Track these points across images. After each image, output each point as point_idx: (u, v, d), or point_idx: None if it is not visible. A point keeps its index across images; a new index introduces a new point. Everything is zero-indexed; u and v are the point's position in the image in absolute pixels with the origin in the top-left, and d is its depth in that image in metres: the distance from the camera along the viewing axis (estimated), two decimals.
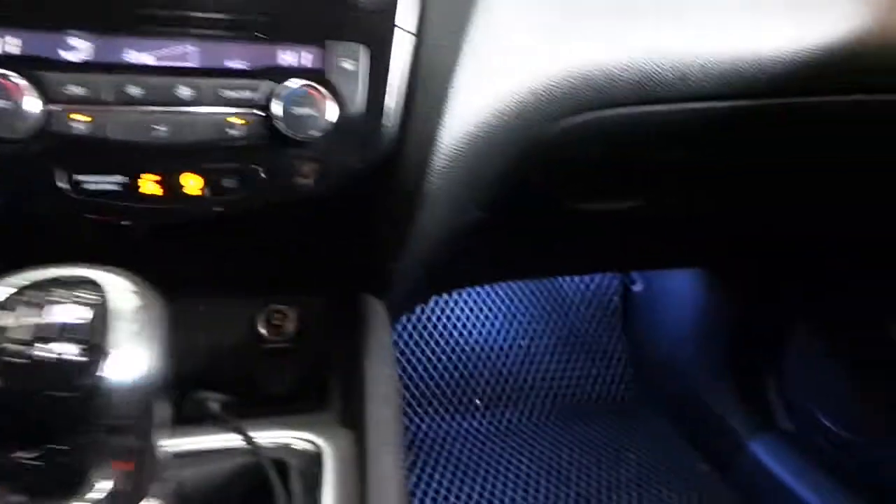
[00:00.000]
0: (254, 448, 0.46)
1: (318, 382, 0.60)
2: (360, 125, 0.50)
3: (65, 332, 0.25)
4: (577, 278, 1.54)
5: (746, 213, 0.91)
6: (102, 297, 0.27)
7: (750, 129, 0.72)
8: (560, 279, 1.52)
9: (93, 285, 0.28)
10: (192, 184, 0.47)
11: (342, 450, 0.47)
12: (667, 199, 0.83)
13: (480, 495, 1.18)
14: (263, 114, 0.47)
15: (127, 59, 0.45)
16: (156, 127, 0.46)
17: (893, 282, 1.08)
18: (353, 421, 0.50)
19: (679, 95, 0.65)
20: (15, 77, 0.42)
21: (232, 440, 0.49)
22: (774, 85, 0.67)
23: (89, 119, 0.44)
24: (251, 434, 0.48)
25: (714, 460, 1.30)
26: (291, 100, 0.47)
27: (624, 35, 0.61)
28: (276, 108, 0.47)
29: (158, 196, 0.47)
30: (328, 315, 0.63)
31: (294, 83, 0.47)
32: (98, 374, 0.25)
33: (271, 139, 0.48)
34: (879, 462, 1.09)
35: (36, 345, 0.25)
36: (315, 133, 0.48)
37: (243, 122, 0.47)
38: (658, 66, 0.62)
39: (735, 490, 1.24)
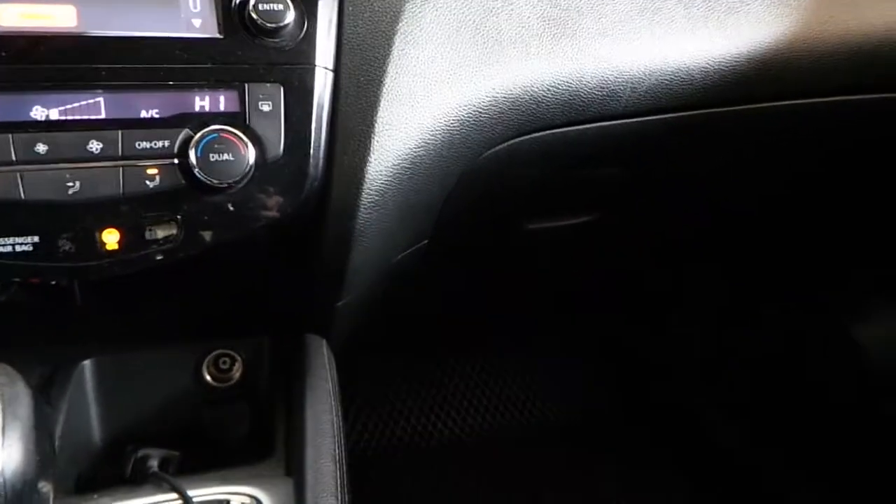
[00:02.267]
0: None
1: (265, 428, 0.59)
2: (283, 167, 0.49)
3: None
4: None
5: (689, 218, 0.92)
6: None
7: (681, 141, 0.73)
8: None
9: None
10: (110, 238, 0.46)
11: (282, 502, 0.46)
12: (616, 213, 0.84)
13: None
14: (180, 161, 0.47)
15: (34, 117, 0.44)
16: (69, 184, 0.45)
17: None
18: (294, 469, 0.49)
19: (610, 113, 0.66)
20: None
21: (171, 499, 0.48)
22: (702, 97, 0.68)
23: None
24: (189, 492, 0.47)
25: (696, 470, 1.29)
26: (207, 147, 0.46)
27: (549, 56, 0.61)
28: (193, 155, 0.46)
29: (75, 254, 0.46)
30: (273, 357, 0.62)
31: (210, 129, 0.47)
32: None
33: (191, 188, 0.47)
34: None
35: None
36: (234, 179, 0.47)
37: (160, 171, 0.46)
38: (585, 86, 0.62)
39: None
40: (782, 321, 1.12)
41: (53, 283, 0.51)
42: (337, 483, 0.47)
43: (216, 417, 0.61)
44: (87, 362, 0.58)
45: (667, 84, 0.66)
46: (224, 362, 0.62)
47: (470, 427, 1.27)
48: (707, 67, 0.67)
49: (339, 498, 0.46)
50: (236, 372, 0.62)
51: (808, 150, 0.81)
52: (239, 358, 0.62)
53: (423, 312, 1.02)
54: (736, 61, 0.67)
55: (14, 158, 0.43)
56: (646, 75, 0.65)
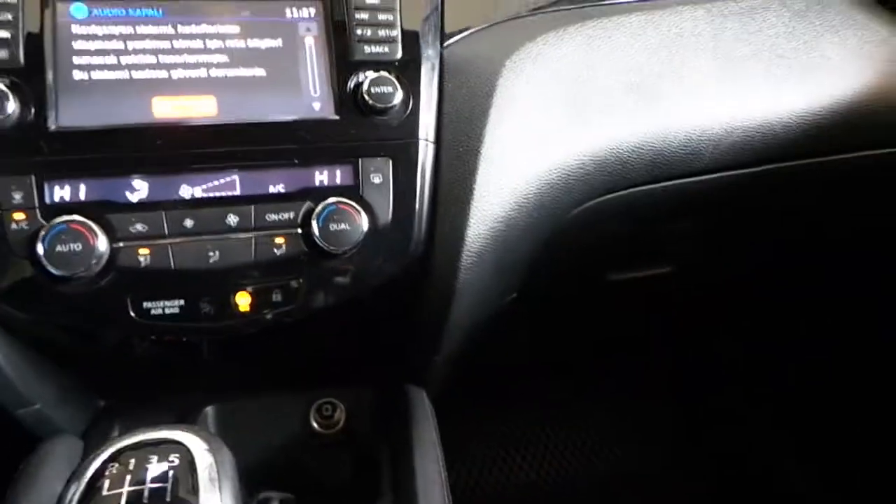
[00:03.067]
0: None
1: (370, 473, 0.63)
2: (391, 233, 0.54)
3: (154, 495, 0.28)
4: None
5: (771, 274, 0.92)
6: (182, 455, 0.30)
7: (759, 192, 0.74)
8: None
9: (174, 444, 0.31)
10: (243, 301, 0.52)
11: None
12: (695, 265, 0.85)
13: None
14: (303, 231, 0.52)
15: (181, 195, 0.51)
16: (210, 253, 0.50)
17: None
18: None
19: (691, 170, 0.68)
20: (84, 221, 0.48)
21: None
22: (783, 150, 0.69)
23: (150, 251, 0.49)
24: None
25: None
26: (328, 217, 0.52)
27: (633, 120, 0.64)
28: (315, 225, 0.52)
29: (214, 315, 0.51)
30: (375, 406, 0.66)
31: (329, 201, 0.52)
32: None
33: (311, 254, 0.52)
34: None
35: None
36: (350, 245, 0.52)
37: (286, 240, 0.52)
38: (669, 146, 0.65)
39: None
40: (853, 364, 1.10)
41: (189, 340, 0.57)
42: None
43: (322, 462, 0.65)
44: (209, 409, 0.63)
45: (748, 140, 0.68)
46: (327, 409, 0.66)
47: (546, 472, 1.27)
48: (789, 122, 0.69)
49: None
50: (339, 419, 0.66)
51: (886, 198, 0.81)
52: (341, 406, 0.67)
53: (502, 363, 1.05)
54: (817, 114, 0.69)
55: (167, 232, 0.50)
56: (728, 132, 0.67)
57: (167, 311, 0.50)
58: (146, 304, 0.50)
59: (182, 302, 0.51)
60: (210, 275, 0.51)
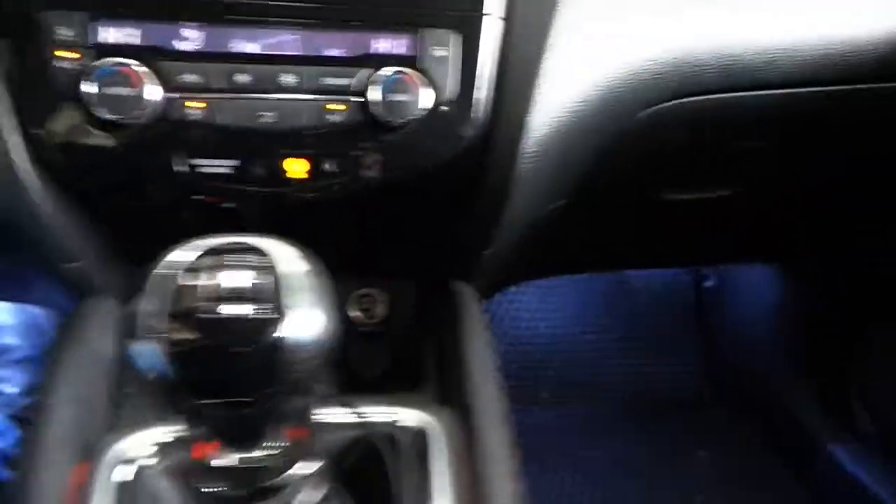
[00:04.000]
0: (365, 423, 0.48)
1: (409, 365, 0.62)
2: (453, 110, 0.51)
3: (249, 294, 0.27)
4: (647, 274, 1.51)
5: (835, 203, 0.87)
6: (274, 262, 0.29)
7: (836, 116, 0.69)
8: (630, 275, 1.49)
9: (261, 253, 0.29)
10: (295, 168, 0.49)
11: (447, 426, 0.48)
12: (755, 189, 0.81)
13: (549, 487, 1.18)
14: (361, 100, 0.49)
15: (234, 49, 0.48)
16: (262, 113, 0.48)
17: None
18: (454, 400, 0.51)
19: (766, 82, 0.64)
20: (136, 65, 0.46)
21: (339, 415, 0.50)
22: (868, 70, 0.64)
23: (203, 106, 0.47)
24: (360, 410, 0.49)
25: (789, 462, 1.25)
26: (388, 86, 0.49)
27: (714, 21, 0.60)
28: (373, 94, 0.49)
29: (264, 179, 0.49)
30: (418, 299, 0.64)
31: (389, 70, 0.49)
32: (280, 332, 0.27)
33: (368, 124, 0.50)
34: None
35: (224, 305, 0.27)
36: (410, 118, 0.49)
37: (342, 108, 0.49)
38: (746, 52, 0.61)
39: (810, 492, 1.19)
40: None
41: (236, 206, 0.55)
42: (503, 417, 0.49)
43: (359, 353, 0.64)
44: None
45: (831, 56, 0.63)
46: (368, 300, 0.65)
47: None
48: (878, 40, 0.64)
49: (505, 427, 0.48)
50: (380, 311, 0.65)
51: None
52: (382, 298, 0.65)
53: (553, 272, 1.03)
54: None
55: (220, 87, 0.47)
56: (809, 46, 0.62)
57: (216, 170, 0.48)
58: (195, 161, 0.48)
59: (232, 162, 0.48)
60: (262, 136, 0.48)
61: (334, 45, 0.49)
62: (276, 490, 0.32)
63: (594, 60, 0.56)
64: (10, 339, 1.06)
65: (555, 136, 0.55)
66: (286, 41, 0.48)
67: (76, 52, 0.45)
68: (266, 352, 0.26)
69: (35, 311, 1.09)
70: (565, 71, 0.54)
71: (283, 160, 0.49)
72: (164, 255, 0.29)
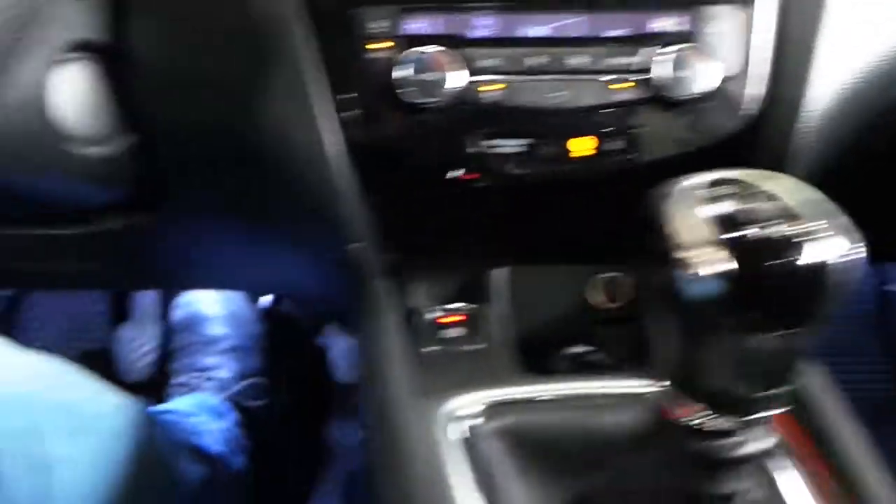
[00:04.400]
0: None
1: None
2: (731, 87, 0.51)
3: (794, 214, 0.27)
4: None
5: None
6: (806, 191, 0.29)
7: None
8: None
9: (786, 182, 0.29)
10: (580, 147, 0.51)
11: None
12: None
13: None
14: (645, 77, 0.50)
15: (526, 34, 0.50)
16: (553, 94, 0.50)
17: None
18: None
19: None
20: (440, 52, 0.48)
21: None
22: None
23: (498, 88, 0.49)
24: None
25: None
26: (675, 63, 0.49)
27: None
28: (658, 71, 0.49)
29: (552, 158, 0.51)
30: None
31: (673, 48, 0.49)
32: (839, 251, 0.27)
33: (651, 102, 0.50)
34: None
35: (791, 224, 0.26)
36: (693, 94, 0.49)
37: (626, 86, 0.50)
38: None
39: None
40: None
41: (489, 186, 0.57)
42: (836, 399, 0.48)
43: (605, 337, 0.64)
44: (499, 271, 0.64)
45: None
46: (612, 285, 0.65)
47: None
48: None
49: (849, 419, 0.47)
50: (624, 295, 0.65)
51: None
52: (625, 283, 0.65)
53: None
54: None
55: (514, 69, 0.49)
56: None
57: (507, 150, 0.50)
58: (488, 142, 0.50)
59: (522, 142, 0.50)
60: (553, 115, 0.50)
61: (617, 26, 0.50)
62: (738, 463, 0.32)
63: (874, 29, 0.53)
64: (220, 330, 1.15)
65: (830, 111, 0.53)
66: (571, 24, 0.50)
67: (387, 42, 0.49)
68: (824, 272, 0.26)
69: (241, 302, 1.18)
70: (844, 42, 0.52)
71: (569, 139, 0.50)
72: (672, 188, 0.29)
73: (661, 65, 0.49)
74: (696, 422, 0.31)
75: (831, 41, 0.52)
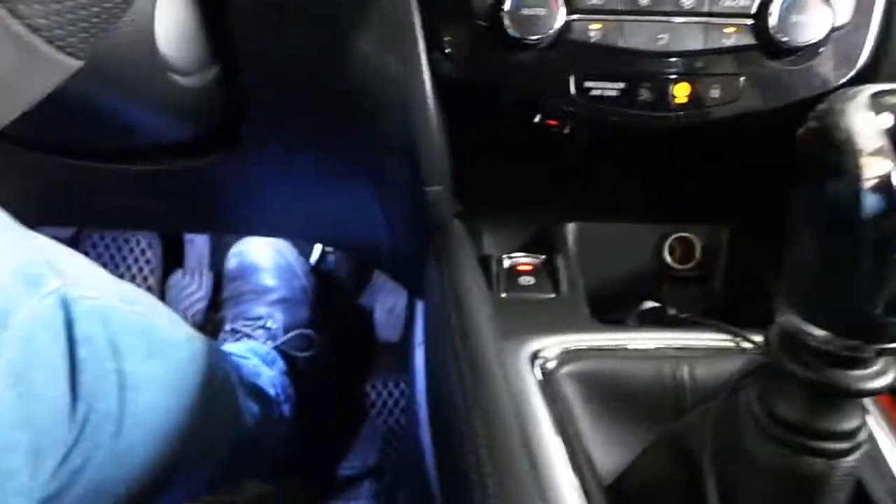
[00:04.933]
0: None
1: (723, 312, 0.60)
2: (846, 36, 0.49)
3: None
4: None
5: None
6: None
7: None
8: None
9: None
10: (682, 92, 0.49)
11: None
12: None
13: None
14: (756, 22, 0.48)
15: None
16: (659, 35, 0.48)
17: None
18: None
19: None
20: None
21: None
22: None
23: (602, 27, 0.48)
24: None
25: None
26: (790, 6, 0.47)
27: None
28: (773, 15, 0.47)
29: (651, 103, 0.49)
30: (732, 246, 0.63)
31: None
32: None
33: (761, 49, 0.48)
34: None
35: None
36: (808, 41, 0.48)
37: (737, 29, 0.48)
38: None
39: None
40: None
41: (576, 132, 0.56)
42: None
43: (674, 296, 0.64)
44: (570, 226, 0.63)
45: None
46: (683, 244, 0.64)
47: None
48: None
49: None
50: (696, 255, 0.64)
51: None
52: (697, 243, 0.64)
53: None
54: None
55: (620, 8, 0.48)
56: None
57: (606, 93, 0.49)
58: (588, 83, 0.49)
59: (623, 85, 0.49)
60: (656, 58, 0.48)
61: None
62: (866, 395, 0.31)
63: None
64: (271, 281, 1.16)
65: None
66: None
67: None
68: None
69: (290, 255, 1.19)
70: None
71: (673, 84, 0.49)
72: (835, 99, 0.29)
73: (777, 8, 0.47)
74: (827, 347, 0.30)
75: None
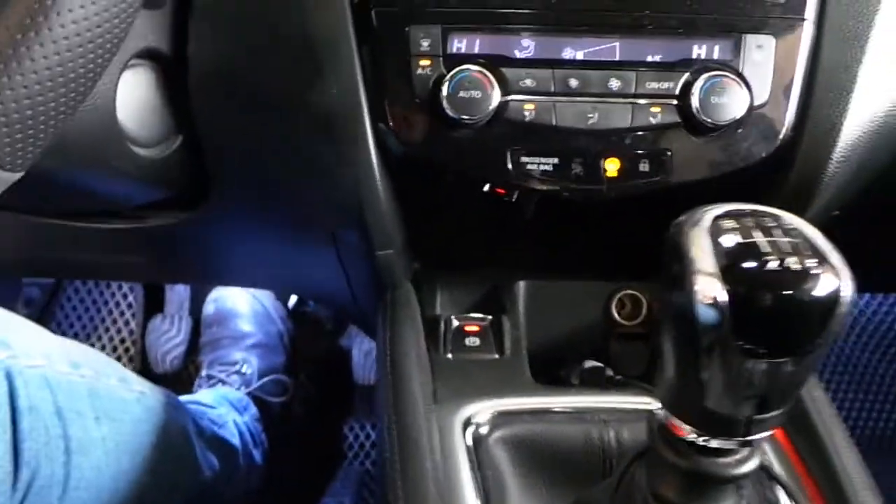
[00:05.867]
0: None
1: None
2: (766, 114, 0.52)
3: (805, 249, 0.29)
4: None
5: None
6: (804, 228, 0.31)
7: None
8: None
9: (787, 219, 0.31)
10: (611, 167, 0.52)
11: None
12: None
13: None
14: (680, 102, 0.51)
15: (565, 56, 0.52)
16: (589, 115, 0.51)
17: None
18: None
19: None
20: (482, 72, 0.51)
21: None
22: None
23: (535, 107, 0.51)
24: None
25: None
26: (710, 89, 0.51)
27: None
28: (695, 96, 0.51)
29: (582, 177, 0.52)
30: None
31: (711, 73, 0.51)
32: (840, 286, 0.29)
33: (686, 126, 0.52)
34: None
35: (788, 258, 0.29)
36: (728, 120, 0.51)
37: (662, 109, 0.52)
38: None
39: None
40: None
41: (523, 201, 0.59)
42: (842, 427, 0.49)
43: (620, 353, 0.66)
44: (521, 283, 0.66)
45: None
46: (632, 301, 0.67)
47: None
48: None
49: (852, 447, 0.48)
50: (641, 312, 0.67)
51: None
52: (644, 299, 0.67)
53: None
54: None
55: (552, 90, 0.51)
56: None
57: (541, 167, 0.52)
58: (524, 159, 0.52)
59: (556, 160, 0.52)
60: (586, 136, 0.52)
61: (656, 51, 0.52)
62: (733, 481, 0.34)
63: None
64: (246, 327, 1.18)
65: (864, 143, 0.54)
66: (611, 48, 0.52)
67: (431, 60, 0.51)
68: (829, 304, 0.28)
69: (268, 301, 1.22)
70: (885, 76, 0.54)
71: (601, 160, 0.52)
72: (692, 215, 0.31)
73: (697, 90, 0.51)
74: (692, 439, 0.32)
75: (869, 73, 0.53)
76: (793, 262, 0.28)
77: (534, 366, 0.61)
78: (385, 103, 0.52)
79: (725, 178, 0.53)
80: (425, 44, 0.51)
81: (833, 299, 0.28)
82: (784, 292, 0.28)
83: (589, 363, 0.60)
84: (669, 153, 0.52)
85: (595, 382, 0.58)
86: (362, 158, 0.53)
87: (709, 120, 0.51)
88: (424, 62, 0.51)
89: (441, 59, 0.51)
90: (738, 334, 0.28)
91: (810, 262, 0.28)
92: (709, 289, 0.28)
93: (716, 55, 0.52)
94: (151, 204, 0.66)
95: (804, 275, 0.28)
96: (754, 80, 0.52)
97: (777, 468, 0.47)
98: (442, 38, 0.51)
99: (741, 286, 0.28)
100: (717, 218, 0.30)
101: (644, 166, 0.52)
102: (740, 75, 0.51)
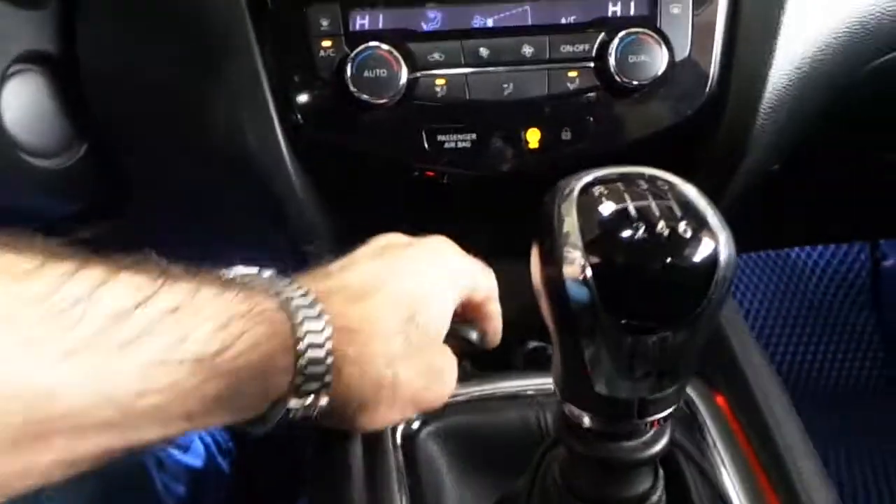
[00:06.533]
0: None
1: None
2: (688, 69, 0.50)
3: (679, 212, 0.26)
4: (814, 252, 1.41)
5: None
6: (679, 189, 0.28)
7: None
8: (796, 252, 1.40)
9: (661, 181, 0.29)
10: (532, 138, 0.50)
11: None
12: None
13: None
14: (597, 65, 0.49)
15: (474, 25, 0.49)
16: (504, 85, 0.49)
17: None
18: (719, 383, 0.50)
19: None
20: (389, 48, 0.48)
21: None
22: None
23: (446, 82, 0.49)
24: None
25: None
26: (625, 49, 0.48)
27: None
28: (612, 56, 0.48)
29: (503, 151, 0.50)
30: None
31: (627, 31, 0.49)
32: (718, 249, 0.26)
33: (605, 89, 0.49)
34: None
35: (663, 223, 0.26)
36: (647, 79, 0.49)
37: (580, 73, 0.49)
38: None
39: None
40: None
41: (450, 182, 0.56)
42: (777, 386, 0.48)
43: None
44: None
45: None
46: None
47: None
48: None
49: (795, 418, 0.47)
50: None
51: None
52: None
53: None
54: None
55: (462, 62, 0.49)
56: None
57: (459, 144, 0.50)
58: (440, 137, 0.50)
59: (474, 136, 0.50)
60: (503, 107, 0.49)
61: (570, 12, 0.49)
62: (641, 465, 0.32)
63: (832, 10, 0.53)
64: None
65: (792, 90, 0.52)
66: (522, 13, 0.49)
67: (332, 40, 0.48)
68: (705, 269, 0.26)
69: None
70: (808, 20, 0.51)
71: (522, 131, 0.50)
72: (561, 186, 0.29)
73: (614, 50, 0.48)
74: (590, 426, 0.30)
75: (793, 18, 0.51)
76: (662, 228, 0.25)
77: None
78: (289, 89, 0.49)
79: (654, 138, 0.51)
80: (325, 23, 0.48)
81: (707, 264, 0.25)
82: (651, 261, 0.25)
83: (532, 343, 0.58)
84: (591, 119, 0.50)
85: (538, 362, 0.56)
86: (271, 150, 0.50)
87: (628, 80, 0.48)
88: (326, 43, 0.48)
89: (343, 38, 0.48)
90: (609, 310, 0.26)
91: (682, 226, 0.25)
92: (577, 264, 0.26)
93: (632, 11, 0.49)
94: (67, 217, 0.62)
95: (674, 240, 0.25)
96: (673, 34, 0.49)
97: (714, 438, 0.45)
98: (342, 16, 0.48)
99: (606, 258, 0.26)
100: (587, 186, 0.28)
101: (566, 135, 0.50)
102: (658, 31, 0.49)
